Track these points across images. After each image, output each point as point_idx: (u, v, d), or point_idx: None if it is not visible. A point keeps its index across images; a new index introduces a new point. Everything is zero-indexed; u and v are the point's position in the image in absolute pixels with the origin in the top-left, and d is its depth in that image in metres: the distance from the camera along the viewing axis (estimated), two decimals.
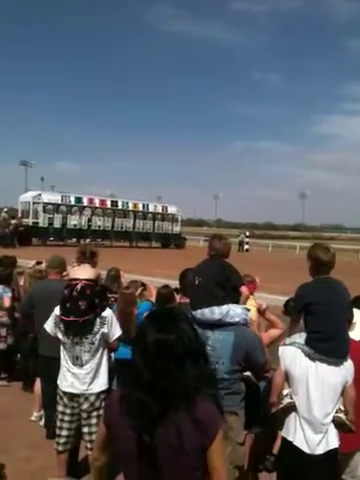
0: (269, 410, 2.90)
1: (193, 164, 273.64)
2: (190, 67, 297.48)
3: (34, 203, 34.51)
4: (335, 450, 2.63)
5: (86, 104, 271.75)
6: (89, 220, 36.98)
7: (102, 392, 3.41)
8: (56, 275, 4.38)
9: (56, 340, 3.45)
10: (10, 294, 5.80)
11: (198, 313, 2.87)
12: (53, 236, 34.64)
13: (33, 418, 4.85)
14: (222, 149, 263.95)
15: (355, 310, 3.18)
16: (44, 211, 34.63)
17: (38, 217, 34.33)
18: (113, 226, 38.04)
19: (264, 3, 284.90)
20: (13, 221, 31.03)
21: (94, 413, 3.38)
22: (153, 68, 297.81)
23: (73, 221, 36.09)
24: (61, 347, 3.45)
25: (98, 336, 3.37)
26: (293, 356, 2.72)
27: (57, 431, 3.50)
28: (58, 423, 3.49)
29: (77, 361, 3.38)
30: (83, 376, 3.37)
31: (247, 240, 39.60)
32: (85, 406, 3.39)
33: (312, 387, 2.63)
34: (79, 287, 3.30)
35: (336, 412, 2.65)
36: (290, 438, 2.70)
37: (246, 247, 38.37)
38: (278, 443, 3.47)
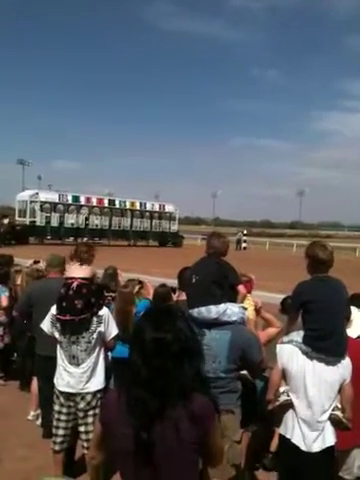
0: (266, 408, 2.90)
1: (191, 161, 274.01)
2: (189, 64, 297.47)
3: (31, 202, 34.45)
4: (332, 448, 2.64)
5: (84, 102, 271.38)
6: (86, 219, 36.95)
7: (98, 391, 3.40)
8: (55, 274, 4.36)
9: (53, 339, 3.43)
10: (7, 293, 5.79)
11: (195, 312, 2.86)
12: (50, 235, 34.61)
13: (30, 417, 4.84)
14: (220, 146, 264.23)
15: (352, 308, 3.19)
16: (41, 210, 34.60)
17: (35, 216, 34.29)
18: (110, 225, 38.03)
19: (263, 0, 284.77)
20: (5, 221, 30.87)
21: (90, 412, 3.38)
22: (152, 65, 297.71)
23: (70, 220, 36.07)
24: (57, 346, 3.44)
25: (95, 335, 3.36)
26: (290, 354, 2.73)
27: (53, 430, 3.49)
28: (54, 422, 3.48)
29: (74, 360, 3.37)
30: (79, 375, 3.36)
31: (244, 238, 39.63)
32: (81, 405, 3.38)
33: (309, 385, 2.64)
34: (75, 286, 3.29)
35: (333, 410, 2.66)
36: (288, 435, 2.70)
37: (243, 245, 38.42)
38: (275, 441, 3.48)
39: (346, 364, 2.67)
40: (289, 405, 2.71)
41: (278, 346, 2.85)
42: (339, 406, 2.66)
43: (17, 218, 34.54)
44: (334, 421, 2.65)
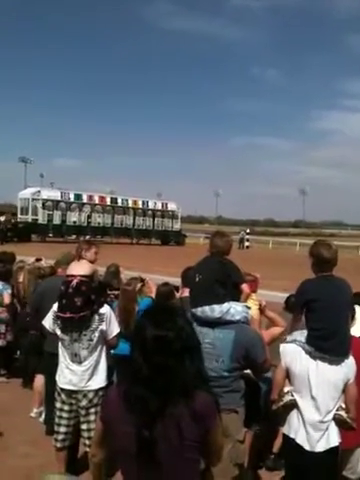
0: (269, 407, 2.89)
1: (193, 160, 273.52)
2: (189, 63, 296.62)
3: (33, 200, 34.53)
4: (336, 448, 2.62)
5: (86, 100, 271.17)
6: (88, 217, 37.01)
7: (100, 389, 3.40)
8: (64, 271, 4.35)
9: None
10: (10, 291, 5.79)
11: (198, 311, 2.85)
12: (52, 233, 34.67)
13: (33, 414, 4.85)
14: (222, 145, 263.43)
15: (356, 306, 3.18)
16: (43, 208, 34.68)
17: (37, 214, 34.36)
18: (113, 223, 38.05)
19: None
20: (2, 218, 30.87)
21: (92, 410, 3.38)
22: (153, 64, 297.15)
23: (72, 218, 36.13)
24: (59, 344, 3.43)
25: (97, 333, 3.36)
26: (294, 353, 2.71)
27: (55, 428, 3.50)
28: (56, 420, 3.48)
29: (76, 358, 3.37)
30: (81, 373, 3.36)
31: (247, 237, 39.60)
32: (83, 403, 3.38)
33: (313, 385, 2.62)
34: (75, 283, 3.28)
35: (337, 410, 2.64)
36: (292, 435, 2.69)
37: (246, 244, 38.39)
38: (278, 441, 3.47)
39: (350, 364, 2.66)
40: (293, 405, 2.70)
41: (281, 346, 2.84)
42: (343, 406, 2.65)
43: (19, 216, 34.62)
44: (338, 421, 2.64)
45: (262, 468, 3.87)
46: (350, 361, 2.67)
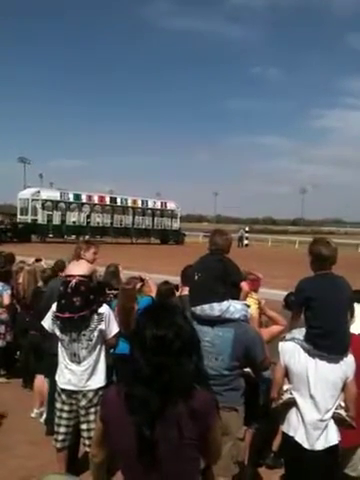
0: (269, 405, 2.89)
1: (192, 159, 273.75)
2: (189, 62, 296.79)
3: (33, 200, 34.52)
4: (335, 446, 2.62)
5: (85, 100, 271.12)
6: (88, 217, 37.00)
7: (100, 388, 3.39)
8: None
9: None
10: (9, 291, 5.78)
11: (198, 309, 2.85)
12: (52, 233, 34.65)
13: (33, 415, 4.85)
14: (222, 144, 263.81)
15: (355, 304, 3.17)
16: (43, 208, 34.66)
17: (37, 214, 34.33)
18: (112, 223, 38.04)
19: None
20: None
21: (92, 409, 3.37)
22: (152, 64, 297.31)
23: (72, 218, 36.11)
24: (59, 344, 3.43)
25: (96, 333, 3.36)
26: (292, 352, 2.71)
27: (55, 428, 3.49)
28: (56, 420, 3.48)
29: (75, 358, 3.37)
30: (81, 373, 3.36)
31: (247, 235, 39.59)
32: (83, 403, 3.38)
33: (312, 383, 2.62)
34: (73, 283, 3.28)
35: (336, 408, 2.64)
36: (291, 434, 2.69)
37: (246, 242, 38.38)
38: (278, 439, 3.47)
39: (349, 362, 2.65)
40: (292, 403, 2.70)
41: (280, 344, 2.83)
42: (343, 404, 2.65)
43: (19, 216, 34.60)
44: (337, 419, 2.64)
45: (262, 466, 3.87)
46: (349, 359, 2.66)
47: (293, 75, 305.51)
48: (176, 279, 4.46)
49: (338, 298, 2.69)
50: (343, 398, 2.66)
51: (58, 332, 3.39)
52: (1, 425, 4.62)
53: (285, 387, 2.74)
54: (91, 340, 3.35)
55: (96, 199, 37.88)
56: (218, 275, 2.93)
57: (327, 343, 2.61)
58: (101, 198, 38.45)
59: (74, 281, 3.29)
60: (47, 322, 3.49)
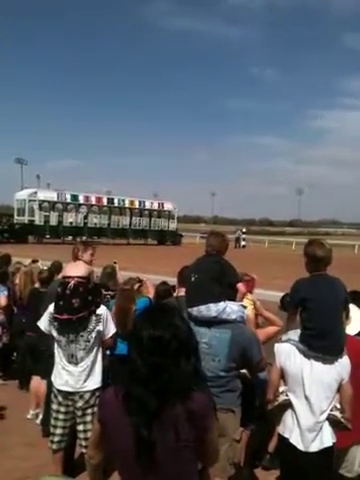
0: (265, 407, 2.89)
1: (190, 159, 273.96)
2: (187, 62, 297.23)
3: (30, 201, 34.43)
4: (330, 448, 2.62)
5: (82, 100, 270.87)
6: (85, 218, 36.95)
7: (97, 389, 3.39)
8: None
9: None
10: (6, 293, 5.76)
11: (194, 310, 2.85)
12: (49, 234, 34.59)
13: (29, 416, 4.84)
14: (219, 144, 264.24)
15: (351, 305, 3.18)
16: (40, 209, 34.58)
17: (34, 215, 34.25)
18: (109, 223, 38.00)
19: None
20: None
21: (89, 411, 3.37)
22: (151, 64, 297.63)
23: (69, 219, 36.05)
24: (55, 345, 3.43)
25: (94, 334, 3.35)
26: (288, 353, 2.71)
27: (51, 430, 3.48)
28: (52, 421, 3.46)
29: (72, 359, 3.36)
30: (78, 374, 3.36)
31: (244, 236, 39.63)
32: (80, 404, 3.37)
33: (307, 384, 2.62)
34: (72, 285, 3.28)
35: (331, 410, 2.63)
36: (286, 435, 2.69)
37: (243, 243, 38.41)
38: (274, 441, 3.48)
39: (344, 363, 2.65)
40: (288, 405, 2.70)
41: (276, 345, 2.83)
42: (338, 406, 2.64)
43: (16, 217, 34.51)
44: (333, 421, 2.64)
45: (258, 467, 3.87)
46: (344, 360, 2.65)
47: (291, 75, 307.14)
48: (173, 280, 4.45)
49: (333, 299, 2.69)
50: (338, 400, 2.66)
51: (55, 333, 3.38)
52: None
53: (281, 389, 2.74)
54: (89, 341, 3.34)
55: (93, 200, 37.84)
56: (214, 276, 2.93)
57: (322, 344, 2.61)
58: (98, 199, 38.41)
59: (72, 282, 3.28)
60: (43, 323, 3.48)
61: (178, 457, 1.56)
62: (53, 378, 3.46)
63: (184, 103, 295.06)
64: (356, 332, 3.09)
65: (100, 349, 3.48)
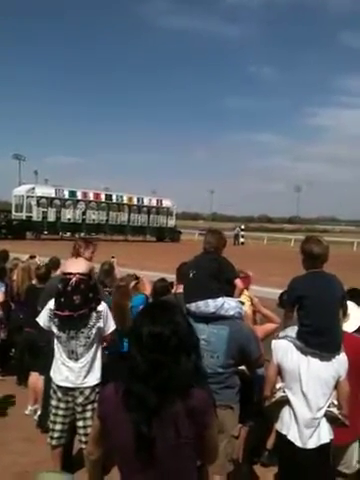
0: (263, 403, 2.89)
1: (188, 157, 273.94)
2: (185, 60, 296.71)
3: (28, 197, 34.34)
4: (327, 445, 2.62)
5: (80, 97, 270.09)
6: (83, 214, 36.87)
7: (97, 385, 3.40)
8: None
9: None
10: (3, 289, 5.75)
11: (193, 306, 2.86)
12: (47, 230, 34.52)
13: (27, 412, 4.85)
14: (217, 142, 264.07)
15: (349, 302, 3.18)
16: (38, 205, 34.49)
17: (32, 211, 34.17)
18: (107, 220, 37.95)
19: None
20: None
21: (89, 407, 3.37)
22: (148, 62, 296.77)
23: (67, 215, 35.97)
24: (55, 341, 3.42)
25: (94, 330, 3.35)
26: (285, 350, 2.71)
27: (50, 425, 3.49)
28: (52, 417, 3.47)
29: (72, 355, 3.36)
30: (78, 370, 3.36)
31: (242, 233, 39.65)
32: (80, 400, 3.38)
33: (304, 381, 2.62)
34: (73, 281, 3.27)
35: (329, 406, 2.64)
36: (284, 432, 2.70)
37: (241, 240, 38.44)
38: (272, 437, 3.48)
39: (341, 360, 2.65)
40: (285, 401, 2.70)
41: (273, 342, 2.84)
42: (335, 402, 2.65)
43: (14, 213, 34.42)
44: (330, 418, 2.64)
45: (257, 464, 3.88)
46: (341, 357, 2.66)
47: (288, 73, 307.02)
48: (171, 276, 4.45)
49: (330, 296, 2.69)
50: (336, 396, 2.67)
51: (55, 329, 3.38)
52: None
53: (278, 385, 2.75)
54: (89, 337, 3.35)
55: (91, 196, 37.76)
56: (212, 272, 2.94)
57: (319, 341, 2.61)
58: (96, 195, 38.34)
59: (74, 279, 3.28)
60: (42, 319, 3.48)
61: (177, 454, 1.56)
62: (52, 374, 3.46)
63: (182, 101, 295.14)
64: (355, 329, 3.10)
65: (100, 345, 3.48)
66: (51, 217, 34.88)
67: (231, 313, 2.86)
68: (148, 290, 4.86)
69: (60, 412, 3.42)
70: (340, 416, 2.62)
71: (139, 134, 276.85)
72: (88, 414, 3.35)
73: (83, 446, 3.36)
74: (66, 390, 3.38)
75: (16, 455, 3.93)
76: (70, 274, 3.33)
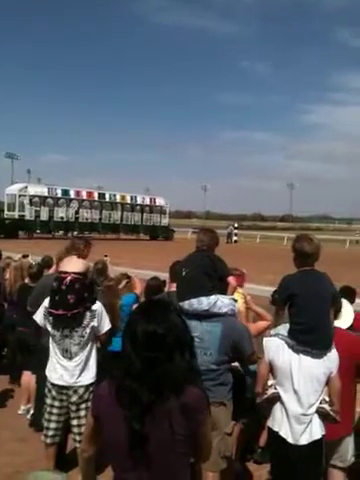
0: (255, 400, 2.91)
1: (181, 155, 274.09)
2: (179, 57, 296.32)
3: (20, 196, 34.19)
4: (319, 441, 2.64)
5: (74, 95, 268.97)
6: (76, 212, 36.77)
7: (91, 384, 3.39)
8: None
9: None
10: None
11: (186, 304, 2.87)
12: (40, 229, 34.38)
13: (20, 411, 4.83)
14: (211, 139, 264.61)
15: (343, 300, 3.21)
16: (30, 204, 34.34)
17: (24, 210, 34.01)
18: (101, 218, 37.86)
19: None
20: None
21: (83, 405, 3.37)
22: (143, 59, 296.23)
23: (60, 214, 35.84)
24: (50, 339, 3.42)
25: (88, 329, 3.35)
26: (276, 347, 2.73)
27: (45, 424, 3.48)
28: (46, 416, 3.46)
29: (66, 354, 3.36)
30: (72, 368, 3.35)
31: (235, 231, 39.74)
32: (74, 398, 3.38)
33: (295, 378, 2.64)
34: (68, 280, 3.26)
35: (320, 403, 2.66)
36: (276, 428, 2.71)
37: (234, 238, 38.53)
38: (265, 434, 3.50)
39: (332, 357, 2.67)
40: (277, 398, 2.72)
41: (264, 339, 2.85)
42: (327, 399, 2.67)
43: (6, 212, 34.25)
44: (321, 414, 2.66)
45: (249, 461, 3.90)
46: (332, 354, 2.68)
47: (282, 70, 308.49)
48: (164, 275, 4.46)
49: (321, 294, 2.71)
50: (327, 392, 2.69)
51: (50, 328, 3.38)
52: None
53: (270, 382, 2.76)
54: (83, 336, 3.34)
55: (84, 195, 37.66)
56: (205, 270, 2.95)
57: (310, 338, 2.63)
58: (89, 194, 38.25)
59: (69, 278, 3.27)
60: (39, 317, 3.47)
61: (171, 451, 1.57)
62: (48, 372, 3.45)
63: (176, 99, 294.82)
64: (347, 326, 3.12)
65: (94, 344, 3.48)
66: (44, 216, 34.74)
67: (224, 310, 2.87)
68: (139, 289, 4.88)
69: (55, 410, 3.42)
70: (331, 412, 2.64)
71: (133, 132, 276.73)
72: (82, 413, 3.35)
73: (77, 445, 3.36)
74: (60, 388, 3.38)
75: (9, 455, 3.91)
76: (66, 273, 3.32)
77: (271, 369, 2.76)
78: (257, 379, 2.85)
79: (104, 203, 38.72)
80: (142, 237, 39.54)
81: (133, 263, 14.19)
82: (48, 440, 3.45)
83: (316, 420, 2.66)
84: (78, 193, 37.24)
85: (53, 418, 3.43)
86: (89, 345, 3.40)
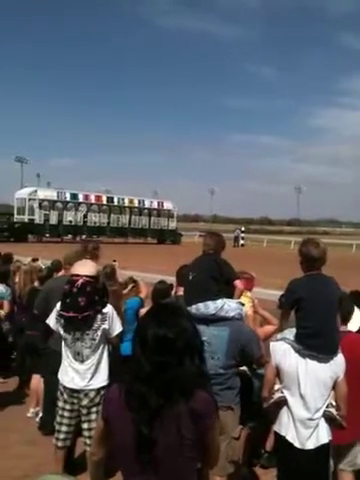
0: (262, 405, 2.91)
1: (189, 158, 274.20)
2: (185, 61, 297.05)
3: (30, 199, 34.41)
4: (326, 445, 2.64)
5: (82, 99, 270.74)
6: (85, 216, 36.91)
7: (102, 388, 3.38)
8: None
9: None
10: (10, 297, 5.68)
11: (193, 308, 2.88)
12: (49, 233, 34.54)
13: (29, 414, 4.85)
14: (218, 143, 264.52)
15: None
16: (40, 208, 34.54)
17: (34, 214, 34.22)
18: (109, 222, 37.97)
19: None
20: None
21: (94, 409, 3.36)
22: (149, 62, 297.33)
23: (69, 217, 36.01)
24: (62, 342, 3.44)
25: (99, 332, 3.36)
26: (283, 351, 2.73)
27: (56, 427, 3.48)
28: (58, 419, 3.47)
29: (78, 357, 3.37)
30: (84, 371, 3.36)
31: (242, 235, 39.62)
32: (85, 402, 3.38)
33: (302, 382, 2.64)
34: (79, 283, 3.29)
35: (327, 407, 2.66)
36: (282, 433, 2.71)
37: (241, 242, 38.41)
38: (271, 439, 3.49)
39: (339, 361, 2.67)
40: (283, 402, 2.71)
41: (271, 344, 2.85)
42: (334, 403, 2.67)
43: (16, 216, 34.51)
44: (328, 418, 2.66)
45: (256, 465, 3.88)
46: (339, 358, 2.67)
47: (289, 74, 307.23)
48: (172, 279, 4.48)
49: (328, 298, 2.71)
50: (334, 397, 2.68)
51: (61, 330, 3.39)
52: None
53: (276, 387, 2.76)
54: (94, 339, 3.35)
55: (93, 199, 37.82)
56: (212, 274, 2.97)
57: (317, 343, 2.63)
58: (98, 197, 38.39)
59: (80, 281, 3.30)
60: (52, 320, 3.49)
61: (179, 455, 1.57)
62: (60, 375, 3.46)
63: (184, 102, 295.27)
64: (355, 330, 3.12)
65: (106, 347, 3.48)
66: (53, 220, 34.91)
67: (231, 314, 2.88)
68: (144, 293, 4.90)
69: (66, 413, 3.43)
70: (338, 417, 2.64)
71: (140, 135, 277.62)
72: (93, 416, 3.35)
73: (87, 449, 3.37)
74: (72, 392, 3.39)
75: (18, 458, 3.93)
76: (77, 276, 3.35)
77: (278, 373, 2.77)
78: (264, 383, 2.85)
79: (112, 207, 38.84)
80: (150, 241, 39.57)
81: (141, 267, 14.21)
82: (59, 443, 3.46)
83: (323, 424, 2.65)
84: (87, 197, 37.41)
85: (64, 421, 3.44)
86: (101, 348, 3.41)
